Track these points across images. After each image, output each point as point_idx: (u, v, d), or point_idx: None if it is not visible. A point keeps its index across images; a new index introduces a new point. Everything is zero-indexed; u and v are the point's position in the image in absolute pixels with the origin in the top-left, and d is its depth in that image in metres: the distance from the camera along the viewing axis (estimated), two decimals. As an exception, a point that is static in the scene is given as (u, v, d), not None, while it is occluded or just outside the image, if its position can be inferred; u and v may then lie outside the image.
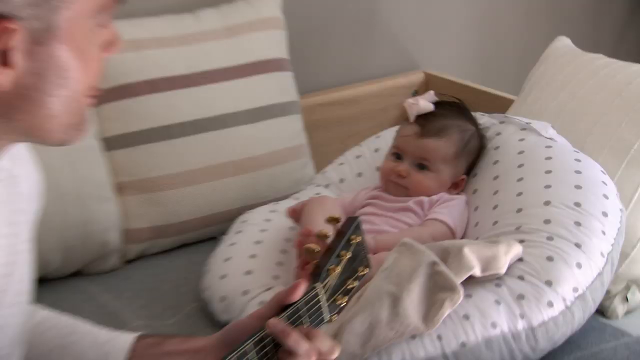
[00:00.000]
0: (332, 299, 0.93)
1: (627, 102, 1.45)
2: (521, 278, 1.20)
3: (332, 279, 0.92)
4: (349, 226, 0.96)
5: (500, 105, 1.76)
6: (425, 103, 1.42)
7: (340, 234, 0.95)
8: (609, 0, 2.43)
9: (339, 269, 0.93)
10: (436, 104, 1.44)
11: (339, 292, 0.94)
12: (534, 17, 2.30)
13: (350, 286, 0.96)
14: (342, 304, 0.94)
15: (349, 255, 0.94)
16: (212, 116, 1.57)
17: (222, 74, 1.59)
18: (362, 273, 0.98)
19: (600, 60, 1.58)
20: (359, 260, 0.98)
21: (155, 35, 1.57)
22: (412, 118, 1.43)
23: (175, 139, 1.53)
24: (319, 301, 0.90)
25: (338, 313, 0.94)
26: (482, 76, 2.20)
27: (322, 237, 0.93)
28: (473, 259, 1.17)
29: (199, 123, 1.55)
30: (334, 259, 0.93)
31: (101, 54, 0.79)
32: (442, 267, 1.15)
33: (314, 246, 0.92)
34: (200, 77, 1.56)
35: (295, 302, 0.88)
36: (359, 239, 0.97)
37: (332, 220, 0.95)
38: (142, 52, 1.54)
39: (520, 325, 1.15)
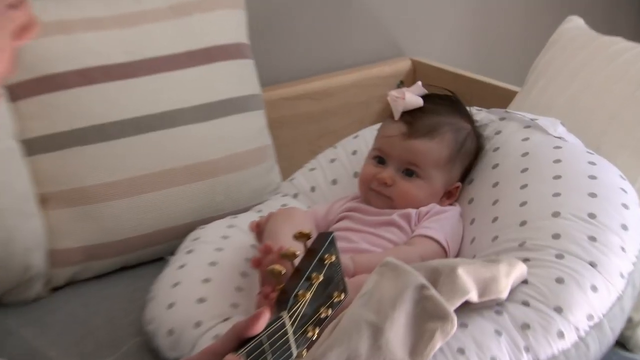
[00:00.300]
0: (302, 331, 0.93)
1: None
2: (526, 304, 1.20)
3: (302, 306, 0.92)
4: (321, 244, 0.96)
5: (500, 99, 1.77)
6: (412, 97, 1.43)
7: (310, 253, 0.95)
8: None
9: (309, 295, 0.93)
10: (425, 97, 1.44)
11: (310, 322, 0.94)
12: (534, 6, 2.32)
13: (323, 315, 0.96)
14: (313, 336, 0.94)
15: (321, 278, 0.94)
16: (157, 113, 1.56)
17: (168, 62, 1.58)
18: (337, 299, 0.98)
19: (619, 44, 1.59)
20: (334, 284, 0.98)
21: (87, 16, 1.56)
22: (397, 115, 1.43)
23: (113, 141, 1.52)
24: (285, 333, 0.90)
25: (308, 348, 0.94)
26: (479, 64, 2.22)
27: (289, 256, 0.93)
28: (468, 282, 1.17)
29: (141, 121, 1.54)
30: (303, 283, 0.93)
31: (13, 41, 0.77)
32: (432, 292, 1.15)
33: (279, 268, 0.92)
34: (142, 66, 1.56)
35: (257, 335, 0.87)
36: (333, 258, 0.97)
37: (301, 236, 0.95)
38: (71, 35, 1.53)
39: (526, 360, 1.16)
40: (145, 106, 1.55)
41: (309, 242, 0.96)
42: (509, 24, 2.32)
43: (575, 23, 1.72)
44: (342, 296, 0.99)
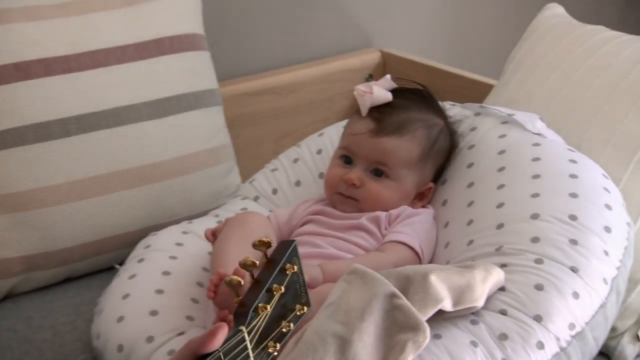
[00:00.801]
0: (262, 346, 0.93)
1: (635, 86, 1.48)
2: (503, 312, 1.21)
3: (262, 320, 0.92)
4: (282, 253, 0.97)
5: (476, 93, 1.78)
6: (380, 91, 1.43)
7: (271, 263, 0.95)
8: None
9: (270, 308, 0.93)
10: (394, 91, 1.44)
11: (271, 337, 0.95)
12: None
13: (285, 329, 0.97)
14: (274, 352, 0.95)
15: (282, 289, 0.95)
16: (103, 110, 1.55)
17: (116, 54, 1.57)
18: (299, 312, 0.99)
19: (602, 33, 1.61)
20: (296, 296, 0.99)
21: (26, 4, 1.55)
22: (364, 111, 1.44)
23: (54, 141, 1.51)
24: (245, 349, 0.90)
25: None
26: (454, 56, 2.23)
27: (248, 266, 0.93)
28: (442, 290, 1.17)
29: (86, 119, 1.53)
30: (263, 295, 0.93)
31: None
32: (403, 301, 1.15)
33: (237, 278, 0.92)
34: (86, 59, 1.55)
35: (214, 352, 0.87)
36: (295, 268, 0.97)
37: (261, 245, 0.95)
38: (8, 25, 1.51)
39: (504, 372, 1.17)
40: (89, 103, 1.54)
41: (270, 251, 0.96)
42: (486, 12, 2.34)
43: (555, 11, 1.73)
44: (305, 309, 1.00)
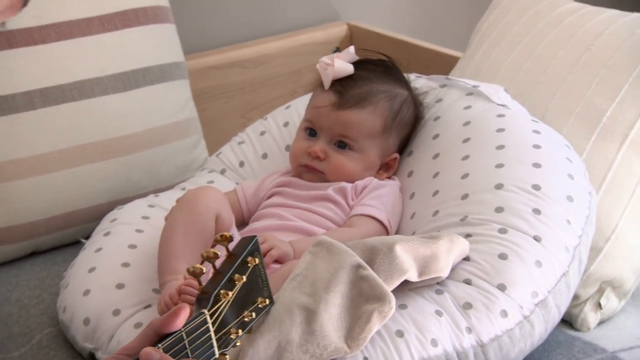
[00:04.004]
0: (224, 331, 0.94)
1: (598, 57, 1.49)
2: (468, 282, 1.21)
3: (223, 306, 0.94)
4: (243, 247, 0.99)
5: (443, 65, 1.78)
6: (341, 63, 1.42)
7: (232, 256, 0.97)
8: None
9: (231, 295, 0.95)
10: (357, 63, 1.44)
11: (233, 323, 0.96)
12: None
13: (247, 319, 0.99)
14: (236, 338, 0.97)
15: (244, 279, 0.97)
16: (69, 83, 1.54)
17: (79, 27, 1.56)
18: (261, 304, 1.01)
19: (565, 5, 1.61)
20: (257, 289, 1.01)
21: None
22: (326, 84, 1.43)
23: (19, 114, 1.50)
24: (207, 331, 0.92)
25: (232, 347, 0.97)
26: (421, 29, 2.23)
27: (210, 258, 0.94)
28: (407, 260, 1.18)
29: (51, 92, 1.52)
30: (225, 284, 0.94)
31: None
32: (369, 271, 1.15)
33: (200, 266, 0.93)
34: (50, 32, 1.53)
35: (176, 332, 0.89)
36: (256, 261, 0.99)
37: (223, 239, 0.96)
38: (-30, -2, 1.50)
39: (468, 341, 1.17)
40: (54, 76, 1.53)
41: (230, 244, 0.98)
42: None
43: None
44: (267, 302, 1.02)
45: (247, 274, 0.98)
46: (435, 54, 1.93)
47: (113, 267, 1.35)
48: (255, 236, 1.00)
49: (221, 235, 0.96)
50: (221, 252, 0.97)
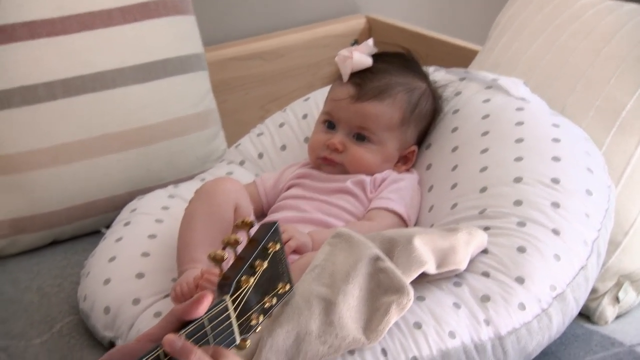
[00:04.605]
0: (245, 317, 0.95)
1: (618, 51, 1.48)
2: (486, 275, 1.21)
3: (245, 292, 0.94)
4: (264, 233, 0.99)
5: (462, 58, 1.78)
6: (361, 56, 1.42)
7: (253, 242, 0.97)
8: None
9: (252, 281, 0.95)
10: (375, 56, 1.44)
11: (254, 309, 0.96)
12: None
13: (268, 305, 0.99)
14: (257, 324, 0.97)
15: (265, 265, 0.97)
16: (90, 74, 1.55)
17: (101, 18, 1.56)
18: (282, 290, 1.01)
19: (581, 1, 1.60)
20: (278, 274, 1.01)
21: (10, -32, 1.53)
22: (345, 76, 1.43)
23: (41, 104, 1.51)
24: (228, 317, 0.92)
25: (253, 334, 0.96)
26: (441, 22, 2.22)
27: (231, 244, 0.94)
28: (426, 252, 1.18)
29: (72, 83, 1.53)
30: (246, 270, 0.95)
31: None
32: (387, 263, 1.15)
33: (221, 253, 0.93)
34: (72, 23, 1.54)
35: (199, 319, 0.89)
36: (277, 247, 0.99)
37: (244, 225, 0.96)
38: (-8, -12, 1.51)
39: (485, 333, 1.17)
40: (76, 66, 1.54)
41: (252, 231, 0.98)
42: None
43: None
44: (287, 287, 1.02)
45: (268, 260, 0.97)
46: (454, 47, 1.92)
47: (133, 257, 1.36)
48: (276, 222, 1.00)
49: (242, 221, 0.96)
50: (242, 238, 0.97)
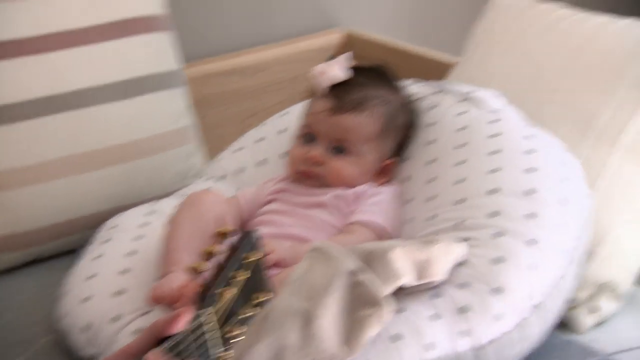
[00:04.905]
0: (227, 329, 0.94)
1: (591, 62, 1.49)
2: (465, 286, 1.21)
3: (225, 304, 0.93)
4: (244, 241, 0.98)
5: (440, 71, 1.78)
6: (336, 70, 1.44)
7: (233, 251, 0.96)
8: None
9: (232, 293, 0.94)
10: (353, 70, 1.45)
11: (235, 320, 0.96)
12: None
13: (249, 314, 0.98)
14: (238, 335, 0.96)
15: (245, 275, 0.96)
16: (69, 92, 1.54)
17: (79, 36, 1.56)
18: (262, 299, 1.00)
19: (558, 11, 1.61)
20: (259, 283, 1.00)
21: (-13, -13, 1.53)
22: (322, 90, 1.44)
23: (20, 122, 1.50)
24: (209, 330, 0.91)
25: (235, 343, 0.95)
26: (420, 35, 2.23)
27: (209, 254, 0.94)
28: (403, 265, 1.18)
29: (51, 101, 1.53)
30: (227, 280, 0.94)
31: None
32: (365, 277, 1.15)
33: (199, 264, 0.93)
34: (50, 41, 1.54)
35: (177, 334, 0.88)
36: (257, 256, 0.98)
37: (222, 235, 0.96)
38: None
39: (465, 344, 1.17)
40: (55, 84, 1.53)
41: (231, 240, 0.97)
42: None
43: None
44: (269, 296, 1.01)
45: (248, 270, 0.97)
46: (431, 60, 1.93)
47: (112, 274, 1.35)
48: (255, 231, 1.00)
49: (221, 231, 0.96)
50: (223, 247, 0.97)
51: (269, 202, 1.44)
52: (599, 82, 1.47)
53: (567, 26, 1.57)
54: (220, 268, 0.95)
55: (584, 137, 1.44)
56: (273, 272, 1.26)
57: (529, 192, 1.29)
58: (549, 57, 1.54)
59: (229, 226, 0.98)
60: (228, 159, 1.62)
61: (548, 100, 1.50)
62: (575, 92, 1.48)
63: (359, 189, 1.41)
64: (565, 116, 1.46)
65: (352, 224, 1.37)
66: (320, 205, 1.40)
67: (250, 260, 0.98)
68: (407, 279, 1.18)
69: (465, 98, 1.48)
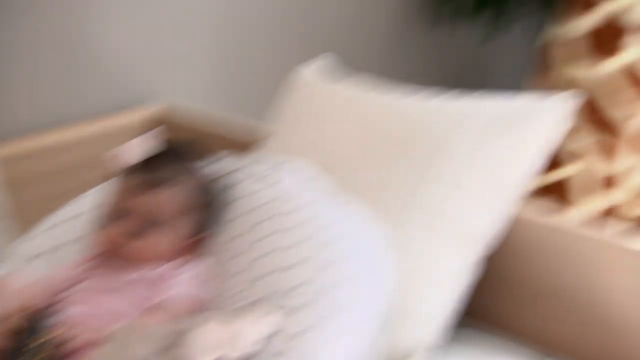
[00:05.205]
0: None
1: (376, 140, 1.58)
2: (279, 355, 1.24)
3: None
4: (32, 322, 0.96)
5: (255, 142, 1.82)
6: (134, 150, 1.45)
7: (22, 334, 0.95)
8: (371, 15, 2.61)
9: None
10: (161, 145, 1.47)
11: None
12: (291, 39, 2.40)
13: None
14: None
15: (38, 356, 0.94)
16: None
17: None
18: None
19: (345, 92, 1.72)
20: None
21: None
22: (123, 170, 1.45)
23: None
24: None
25: None
26: (234, 106, 2.25)
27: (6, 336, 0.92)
28: (208, 343, 1.19)
29: None
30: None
31: None
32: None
33: None
34: None
35: None
36: (46, 338, 0.97)
37: (17, 319, 0.95)
38: None
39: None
40: None
41: (23, 322, 0.95)
42: (265, 61, 2.38)
43: (311, 69, 1.82)
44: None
45: (40, 351, 0.95)
46: (247, 131, 1.95)
47: None
48: (47, 308, 0.98)
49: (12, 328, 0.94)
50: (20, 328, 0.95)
51: (81, 280, 1.42)
52: (387, 157, 1.56)
53: (355, 107, 1.66)
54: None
55: (401, 207, 1.51)
56: (83, 353, 1.24)
57: (325, 266, 1.33)
58: (346, 135, 1.62)
59: (19, 320, 0.96)
60: (43, 236, 1.57)
61: (347, 173, 1.57)
62: (367, 169, 1.55)
63: (172, 263, 1.41)
64: (369, 187, 1.54)
65: (165, 299, 1.37)
66: (134, 282, 1.39)
67: (40, 342, 0.96)
68: (222, 351, 1.19)
69: (271, 172, 1.51)
